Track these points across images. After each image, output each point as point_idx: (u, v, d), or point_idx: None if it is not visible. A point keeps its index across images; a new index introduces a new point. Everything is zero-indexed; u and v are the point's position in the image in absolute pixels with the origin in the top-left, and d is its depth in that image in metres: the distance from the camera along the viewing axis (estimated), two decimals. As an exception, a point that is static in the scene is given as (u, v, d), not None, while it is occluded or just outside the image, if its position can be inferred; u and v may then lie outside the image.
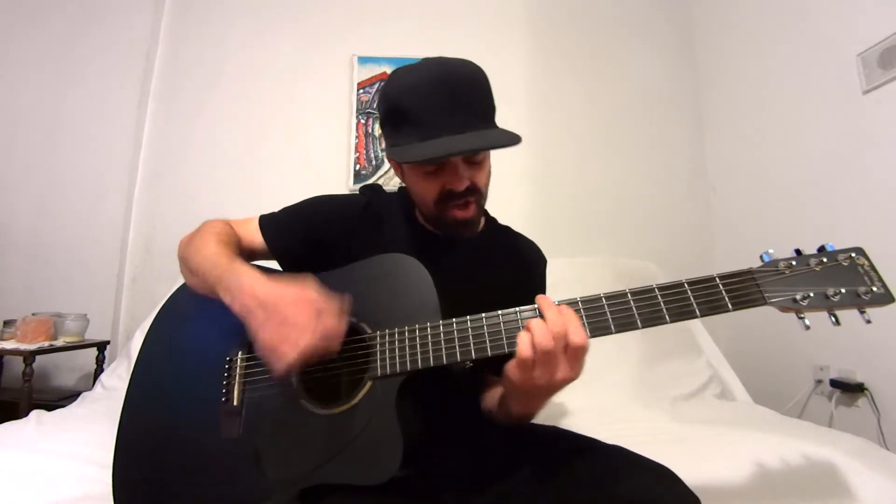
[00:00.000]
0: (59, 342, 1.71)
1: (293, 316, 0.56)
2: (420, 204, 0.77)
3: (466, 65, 0.70)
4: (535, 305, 0.59)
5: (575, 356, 0.55)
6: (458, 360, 0.60)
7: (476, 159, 0.71)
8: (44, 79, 2.13)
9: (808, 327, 0.55)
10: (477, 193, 0.73)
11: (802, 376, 1.61)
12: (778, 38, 1.79)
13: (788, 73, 1.73)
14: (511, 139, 0.64)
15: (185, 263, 0.74)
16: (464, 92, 0.67)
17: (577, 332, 0.55)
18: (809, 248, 0.60)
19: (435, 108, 0.65)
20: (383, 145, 2.14)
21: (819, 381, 1.56)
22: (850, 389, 1.44)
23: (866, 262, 0.56)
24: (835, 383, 1.49)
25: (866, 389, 1.41)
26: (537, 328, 0.55)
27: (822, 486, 0.77)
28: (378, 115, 0.76)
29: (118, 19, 2.19)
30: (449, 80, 0.67)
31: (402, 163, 0.71)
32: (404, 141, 0.68)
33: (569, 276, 1.58)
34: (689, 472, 0.81)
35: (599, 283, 1.72)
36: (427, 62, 0.69)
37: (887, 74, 1.36)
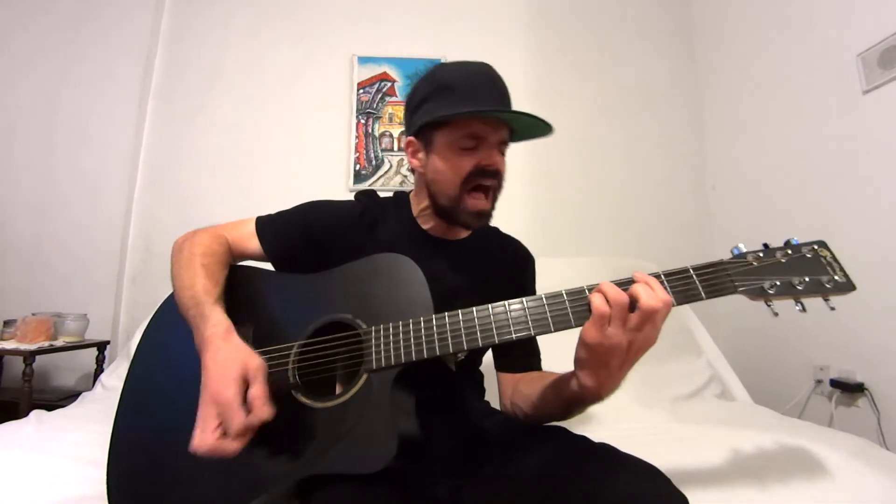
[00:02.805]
0: (59, 342, 1.71)
1: (215, 391, 0.57)
2: (444, 185, 0.77)
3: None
4: (523, 298, 0.62)
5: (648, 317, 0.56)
6: (451, 351, 0.62)
7: (504, 149, 0.78)
8: (44, 78, 2.13)
9: (776, 314, 0.59)
10: (500, 178, 0.78)
11: (802, 376, 1.61)
12: (778, 38, 1.79)
13: (788, 72, 1.73)
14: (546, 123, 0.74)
15: (172, 278, 0.76)
16: (503, 87, 0.77)
17: (650, 293, 0.56)
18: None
19: (484, 90, 0.74)
20: (383, 145, 2.14)
21: (819, 381, 1.56)
22: (850, 389, 1.44)
23: (829, 254, 0.60)
24: (835, 383, 1.49)
25: (866, 389, 1.41)
26: (607, 286, 0.57)
27: (822, 486, 0.77)
28: (413, 96, 0.79)
29: (118, 18, 2.19)
30: (493, 76, 0.76)
31: (458, 116, 0.73)
32: (449, 107, 0.72)
33: (569, 276, 1.57)
34: (689, 472, 0.81)
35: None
36: (471, 61, 0.78)
37: (887, 74, 1.36)
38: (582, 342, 0.58)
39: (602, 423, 1.11)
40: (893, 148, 1.35)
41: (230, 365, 0.59)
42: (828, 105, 1.56)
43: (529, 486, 0.61)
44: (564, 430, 0.71)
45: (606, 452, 0.62)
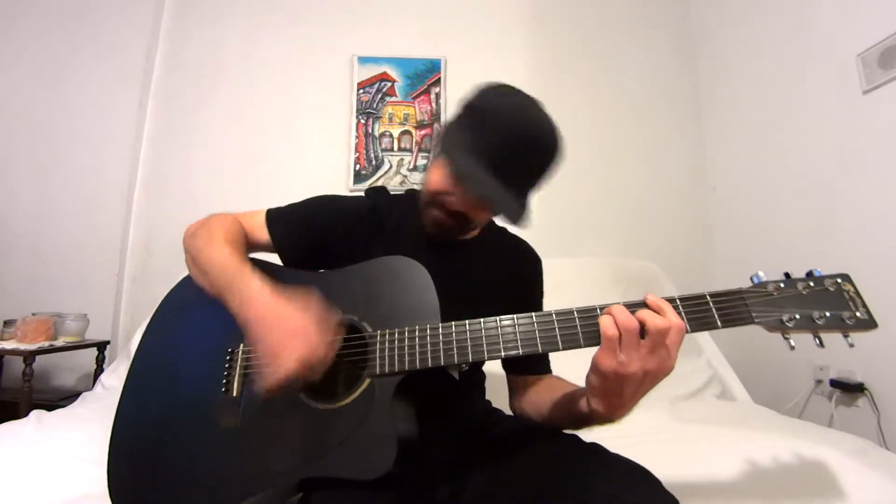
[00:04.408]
0: (59, 342, 1.71)
1: (295, 328, 0.59)
2: (423, 190, 0.76)
3: (553, 136, 0.71)
4: (533, 313, 0.61)
5: (658, 340, 0.54)
6: (456, 362, 0.62)
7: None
8: (44, 78, 2.13)
9: (792, 347, 0.57)
10: (464, 221, 0.73)
11: (802, 376, 1.61)
12: (778, 38, 1.79)
13: (788, 72, 1.73)
14: (518, 218, 0.67)
15: (193, 259, 0.74)
16: (529, 159, 0.69)
17: (655, 315, 0.54)
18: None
19: (505, 150, 0.67)
20: (383, 145, 2.14)
21: (819, 381, 1.56)
22: (850, 389, 1.44)
23: (852, 289, 0.57)
24: (835, 383, 1.49)
25: (866, 389, 1.41)
26: (618, 310, 0.55)
27: (822, 486, 0.77)
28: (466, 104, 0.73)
29: (118, 18, 2.18)
30: (530, 145, 0.69)
31: (443, 157, 0.70)
32: (463, 141, 0.68)
33: (569, 276, 1.58)
34: (689, 472, 0.81)
35: (600, 283, 1.72)
36: (536, 107, 0.72)
37: (887, 74, 1.36)
38: (595, 369, 0.56)
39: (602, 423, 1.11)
40: (893, 148, 1.35)
41: (295, 311, 0.60)
42: (828, 105, 1.56)
43: (520, 487, 0.61)
44: (559, 431, 0.71)
45: (597, 453, 0.62)
